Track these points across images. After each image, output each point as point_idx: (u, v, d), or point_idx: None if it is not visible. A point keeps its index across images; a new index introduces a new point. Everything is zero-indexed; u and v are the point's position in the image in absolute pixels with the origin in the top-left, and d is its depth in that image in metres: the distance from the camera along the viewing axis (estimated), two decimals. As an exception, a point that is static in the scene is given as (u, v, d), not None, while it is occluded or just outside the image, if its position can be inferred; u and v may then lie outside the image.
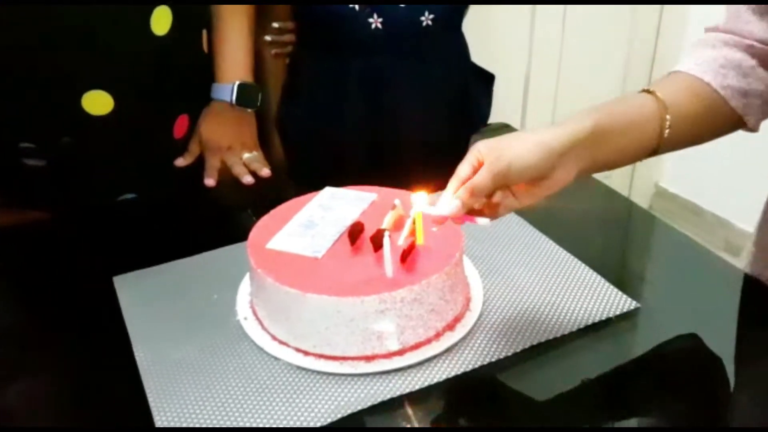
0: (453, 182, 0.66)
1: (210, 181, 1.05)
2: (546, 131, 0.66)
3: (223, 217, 1.01)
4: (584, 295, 0.78)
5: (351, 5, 1.09)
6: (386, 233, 0.67)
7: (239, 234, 0.80)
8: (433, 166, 1.13)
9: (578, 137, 0.66)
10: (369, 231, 0.75)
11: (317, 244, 0.74)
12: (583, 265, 0.83)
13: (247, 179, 1.04)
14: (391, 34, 1.13)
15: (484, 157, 0.66)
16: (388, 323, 0.68)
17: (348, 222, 0.77)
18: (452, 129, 1.25)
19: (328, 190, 0.85)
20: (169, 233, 0.95)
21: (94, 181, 1.03)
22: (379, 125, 1.20)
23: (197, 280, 0.82)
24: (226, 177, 1.08)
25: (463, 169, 0.66)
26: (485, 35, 1.98)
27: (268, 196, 1.04)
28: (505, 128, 1.22)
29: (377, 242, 0.70)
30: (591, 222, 0.97)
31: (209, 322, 0.76)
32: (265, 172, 1.06)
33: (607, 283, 0.79)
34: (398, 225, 0.75)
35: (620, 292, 0.78)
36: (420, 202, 0.68)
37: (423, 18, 1.12)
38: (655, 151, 0.72)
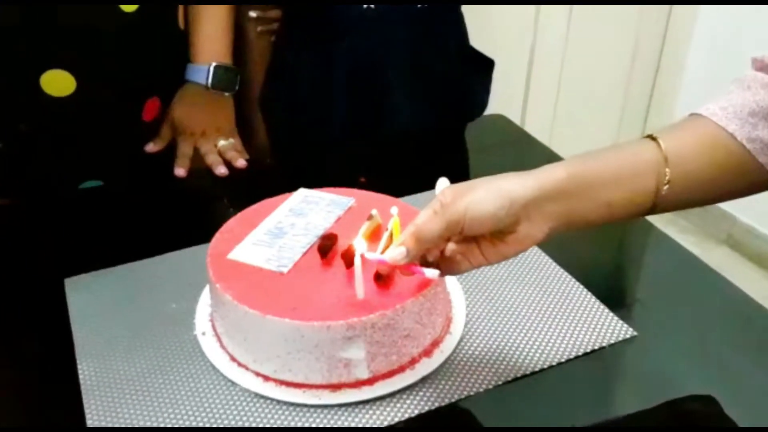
0: (408, 228, 0.57)
1: (180, 171, 0.97)
2: (514, 178, 0.58)
3: (196, 209, 0.93)
4: (576, 319, 0.71)
5: None
6: (357, 253, 0.60)
7: (213, 228, 0.72)
8: (423, 156, 1.08)
9: (547, 188, 0.57)
10: (343, 243, 0.68)
11: (284, 257, 0.67)
12: (576, 282, 0.76)
13: (220, 170, 0.97)
14: (383, 15, 1.05)
15: (444, 200, 0.58)
16: (356, 350, 0.61)
17: (320, 231, 0.70)
18: (446, 118, 1.18)
19: (302, 193, 0.77)
20: (134, 227, 0.88)
21: (55, 166, 0.96)
22: (367, 112, 1.12)
23: (156, 286, 0.75)
24: (201, 165, 1.01)
25: (423, 214, 0.58)
26: (486, 17, 1.89)
27: (248, 184, 0.98)
28: (499, 119, 1.14)
29: (348, 260, 0.63)
30: (586, 234, 0.90)
31: (164, 335, 0.69)
32: (240, 162, 0.98)
33: (602, 306, 0.72)
34: (375, 236, 0.68)
35: (616, 318, 0.71)
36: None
37: (419, 3, 1.04)
38: (651, 210, 0.61)
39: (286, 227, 0.71)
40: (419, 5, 1.05)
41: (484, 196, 0.56)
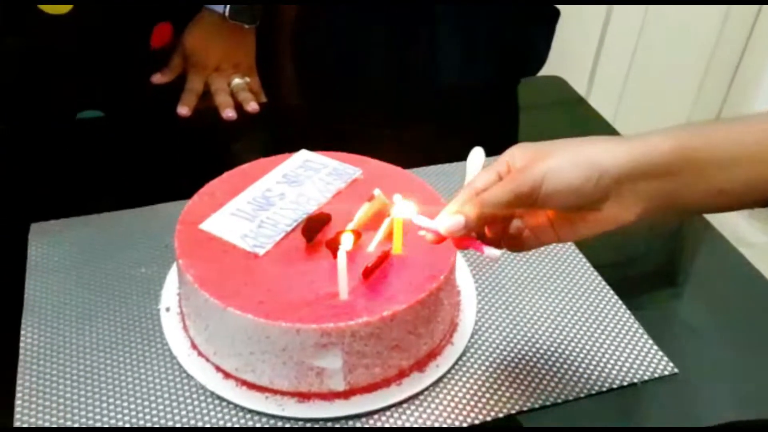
0: (465, 191, 0.47)
1: (183, 110, 0.87)
2: (602, 144, 0.46)
3: (200, 155, 0.83)
4: (607, 344, 0.59)
5: None
6: (344, 245, 0.49)
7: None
8: (466, 113, 0.94)
9: (645, 162, 0.45)
10: (337, 225, 0.57)
11: (263, 235, 0.56)
12: (613, 294, 0.63)
13: (228, 113, 0.86)
14: None
15: (514, 163, 0.47)
16: (331, 359, 0.51)
17: (312, 207, 0.59)
18: (497, 72, 1.04)
19: (303, 156, 0.66)
20: (126, 169, 0.79)
21: (51, 91, 0.87)
22: (409, 58, 1.00)
23: (130, 244, 0.66)
24: (212, 104, 0.90)
25: (484, 176, 0.47)
26: None
27: (263, 131, 0.87)
28: (557, 82, 0.99)
29: (334, 248, 0.52)
30: (631, 233, 0.76)
31: (124, 304, 0.60)
32: (252, 106, 0.87)
33: (641, 330, 0.60)
34: (375, 221, 0.57)
35: (656, 347, 0.59)
36: (406, 209, 0.49)
37: None
38: None
39: (274, 197, 0.60)
40: None
41: (567, 164, 0.45)
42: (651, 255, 0.74)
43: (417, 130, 0.86)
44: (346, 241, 0.49)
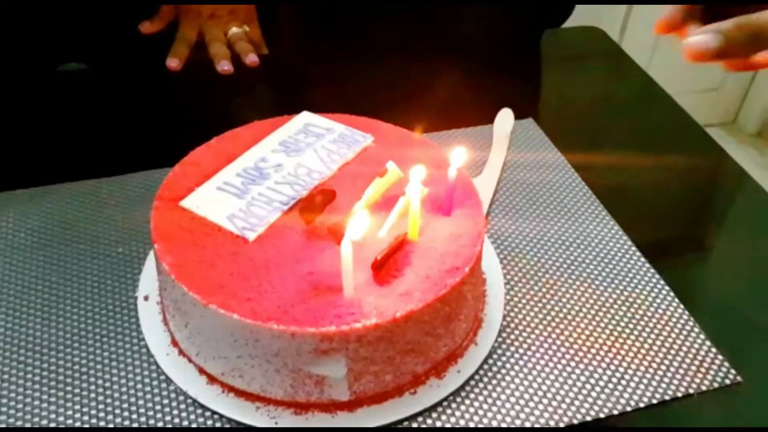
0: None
1: (173, 62, 0.77)
2: None
3: (193, 114, 0.73)
4: (659, 345, 0.50)
5: None
6: (348, 235, 0.40)
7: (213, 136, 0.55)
8: (491, 68, 0.84)
9: None
10: (342, 203, 0.48)
11: (254, 215, 0.47)
12: (669, 290, 0.54)
13: (223, 66, 0.76)
14: None
15: None
16: (333, 367, 0.43)
17: (314, 181, 0.50)
18: (521, 20, 0.93)
19: (304, 118, 0.57)
20: (109, 130, 0.70)
21: (29, 41, 0.77)
22: (423, 4, 0.89)
23: (106, 218, 0.58)
24: (207, 55, 0.81)
25: None
26: None
27: (266, 86, 0.78)
28: (594, 32, 0.88)
29: (338, 235, 0.43)
30: (698, 223, 0.67)
31: (97, 290, 0.52)
32: (251, 59, 0.77)
33: (698, 330, 0.51)
34: (389, 201, 0.48)
35: (715, 352, 0.50)
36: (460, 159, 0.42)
37: None
38: None
39: (268, 169, 0.51)
40: None
41: None
42: (703, 237, 0.64)
43: (435, 88, 0.77)
44: (354, 228, 0.40)
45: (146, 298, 0.51)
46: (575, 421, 0.46)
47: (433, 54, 0.84)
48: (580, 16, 0.99)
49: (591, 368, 0.49)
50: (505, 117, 0.71)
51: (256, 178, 0.50)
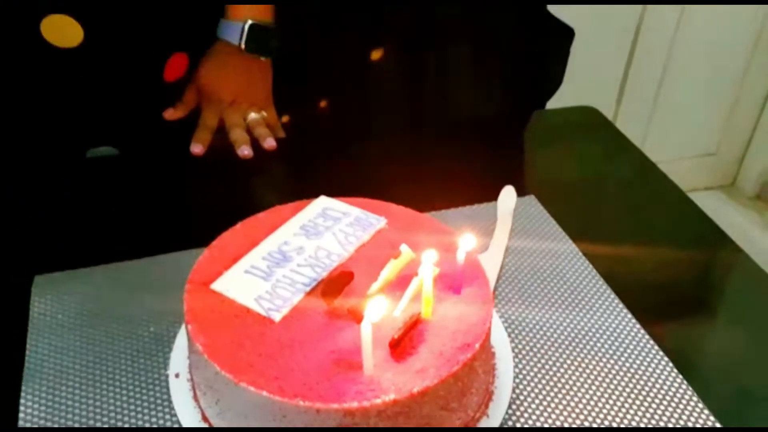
0: None
1: (197, 148, 0.82)
2: None
3: (221, 196, 0.78)
4: (664, 416, 0.53)
5: None
6: (368, 316, 0.44)
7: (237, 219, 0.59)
8: (477, 151, 0.89)
9: None
10: (359, 283, 0.52)
11: (279, 296, 0.51)
12: (664, 357, 0.58)
13: (243, 151, 0.81)
14: None
15: None
16: (355, 440, 0.46)
17: (333, 263, 0.55)
18: (511, 100, 0.99)
19: (322, 203, 0.61)
20: (139, 212, 0.74)
21: (59, 127, 0.83)
22: (416, 87, 0.95)
23: (137, 299, 0.62)
24: (226, 141, 0.86)
25: None
26: None
27: (283, 169, 0.83)
28: (589, 111, 0.93)
29: (357, 317, 0.47)
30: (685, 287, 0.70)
31: (130, 369, 0.56)
32: (269, 143, 0.83)
33: (707, 412, 0.54)
34: (403, 281, 0.52)
35: (713, 420, 0.53)
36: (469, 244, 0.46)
37: None
38: None
39: (291, 252, 0.55)
40: None
41: None
42: (701, 309, 0.68)
43: (437, 167, 0.81)
44: (373, 311, 0.44)
45: (177, 376, 0.54)
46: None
47: (432, 134, 0.89)
48: (575, 95, 1.05)
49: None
50: (507, 194, 0.75)
51: (279, 261, 0.54)
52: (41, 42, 0.75)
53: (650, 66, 1.83)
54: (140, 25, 0.79)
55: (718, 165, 2.12)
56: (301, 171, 0.83)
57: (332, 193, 0.63)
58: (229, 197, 0.76)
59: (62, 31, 0.75)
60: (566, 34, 1.02)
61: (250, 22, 0.83)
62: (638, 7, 1.74)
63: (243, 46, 0.83)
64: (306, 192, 0.63)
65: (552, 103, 1.04)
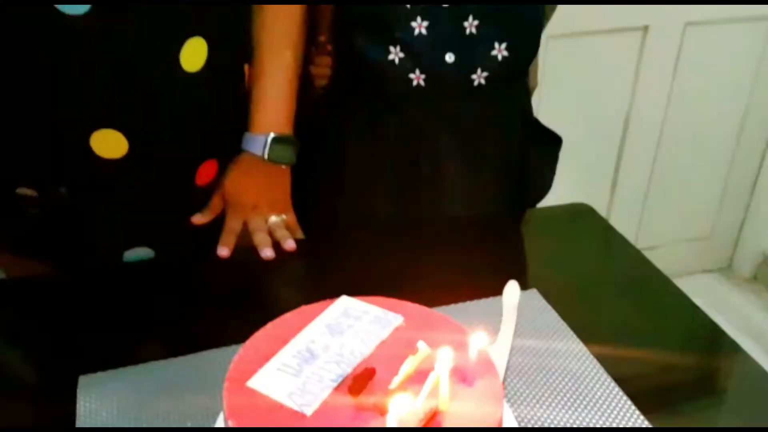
0: None
1: (223, 251, 0.89)
2: None
3: (252, 294, 0.84)
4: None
5: (390, 56, 0.92)
6: (390, 411, 0.50)
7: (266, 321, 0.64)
8: (477, 247, 0.93)
9: None
10: (382, 378, 0.58)
11: (309, 391, 0.57)
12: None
13: (266, 253, 0.88)
14: (435, 92, 0.94)
15: None
16: None
17: (356, 359, 0.60)
18: (504, 204, 1.06)
19: (343, 303, 0.67)
20: (175, 311, 0.80)
21: (100, 232, 0.90)
22: (415, 193, 1.02)
23: (176, 395, 0.67)
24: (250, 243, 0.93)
25: None
26: (581, 94, 1.74)
27: (301, 267, 0.89)
28: (583, 208, 1.01)
29: (381, 410, 0.53)
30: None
31: (171, 463, 0.61)
32: (289, 245, 0.90)
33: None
34: (420, 376, 0.57)
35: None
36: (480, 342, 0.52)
37: (475, 76, 0.93)
38: None
39: (318, 350, 0.61)
40: (476, 83, 0.94)
41: None
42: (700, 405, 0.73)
43: (441, 261, 0.87)
44: (397, 406, 0.49)
45: (214, 468, 0.59)
46: None
47: (434, 234, 0.96)
48: (569, 188, 1.13)
49: None
50: (511, 288, 0.81)
51: (308, 359, 0.60)
52: (89, 153, 0.82)
53: (641, 154, 1.93)
54: (179, 136, 0.87)
55: (713, 248, 2.19)
56: (316, 267, 0.90)
57: (346, 288, 0.69)
58: (255, 296, 0.82)
59: (109, 144, 0.82)
60: (554, 141, 1.11)
61: (272, 134, 0.92)
62: (627, 98, 1.85)
63: (266, 156, 0.92)
64: (321, 287, 0.69)
65: (548, 199, 1.11)
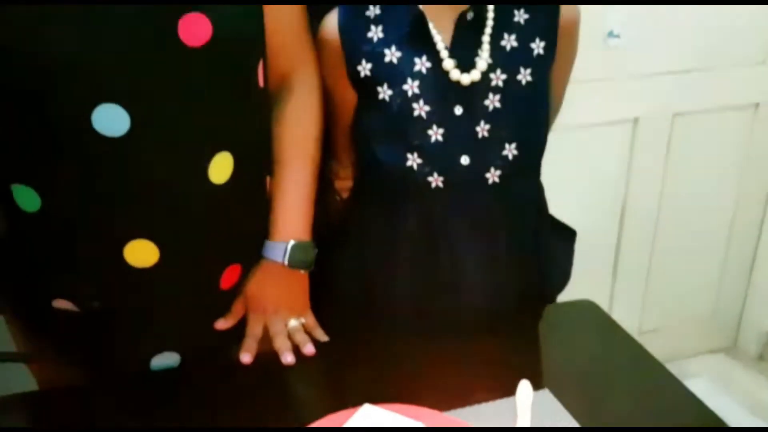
0: None
1: (246, 357, 0.93)
2: None
3: (266, 400, 0.87)
4: None
5: (409, 162, 0.99)
6: None
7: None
8: (490, 344, 0.95)
9: None
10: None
11: (340, 502, 0.60)
12: None
13: (287, 359, 0.92)
14: (452, 193, 1.01)
15: None
16: None
17: (382, 468, 0.64)
18: (524, 294, 1.11)
19: (366, 411, 0.72)
20: (198, 420, 0.83)
21: (129, 339, 0.94)
22: (435, 290, 1.07)
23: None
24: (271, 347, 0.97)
25: None
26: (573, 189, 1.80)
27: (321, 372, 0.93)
28: (587, 305, 1.06)
29: None
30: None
31: None
32: (308, 349, 0.94)
33: None
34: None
35: None
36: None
37: (489, 175, 1.00)
38: None
39: (346, 459, 0.65)
40: (491, 181, 1.01)
41: None
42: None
43: (453, 364, 0.90)
44: None
45: None
46: None
47: (450, 332, 1.00)
48: (572, 282, 1.17)
49: None
50: (524, 389, 0.85)
51: (336, 469, 0.64)
52: (123, 263, 0.86)
53: (639, 240, 1.99)
54: (206, 244, 0.92)
55: (717, 327, 2.22)
56: (336, 370, 0.94)
57: (366, 391, 0.73)
58: (278, 401, 0.86)
59: (142, 253, 0.87)
60: (569, 234, 1.17)
61: (292, 242, 0.97)
62: (622, 187, 1.93)
63: (286, 263, 0.97)
64: (342, 390, 0.73)
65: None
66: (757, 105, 1.96)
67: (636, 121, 1.86)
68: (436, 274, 1.05)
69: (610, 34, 1.74)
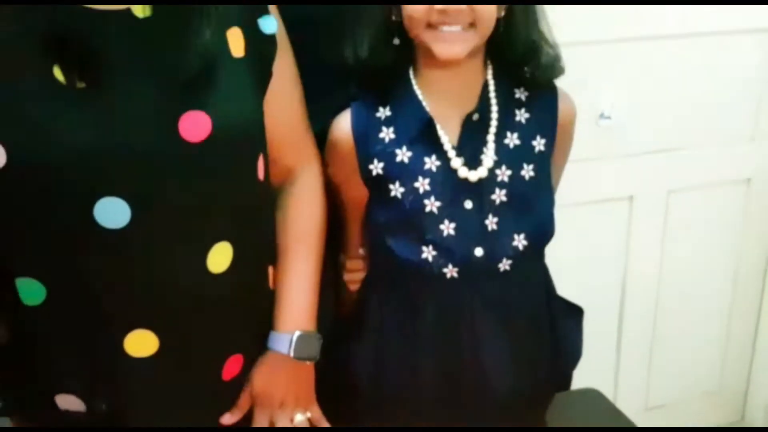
0: None
1: (250, 453, 0.93)
2: None
3: None
4: None
5: (423, 255, 1.01)
6: None
7: None
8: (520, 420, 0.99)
9: None
10: None
11: None
12: None
13: (293, 454, 0.92)
14: (467, 282, 1.03)
15: None
16: None
17: None
18: (542, 378, 1.11)
19: None
20: None
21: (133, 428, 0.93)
22: (460, 378, 1.08)
23: None
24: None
25: None
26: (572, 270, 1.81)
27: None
28: (592, 394, 1.06)
29: None
30: None
31: None
32: (313, 450, 0.94)
33: None
34: None
35: None
36: None
37: (501, 264, 1.03)
38: None
39: None
40: (502, 269, 1.03)
41: None
42: None
43: None
44: None
45: None
46: None
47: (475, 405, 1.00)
48: (578, 369, 1.17)
49: None
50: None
51: None
52: (122, 354, 0.87)
53: (640, 317, 1.99)
54: (205, 333, 0.92)
55: (723, 402, 2.18)
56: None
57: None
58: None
59: (141, 343, 0.87)
60: (577, 311, 1.18)
61: (297, 333, 0.98)
62: (621, 265, 1.94)
63: (292, 354, 0.97)
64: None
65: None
66: (748, 180, 1.99)
67: (631, 198, 1.89)
68: (460, 361, 1.07)
69: (602, 116, 1.80)
